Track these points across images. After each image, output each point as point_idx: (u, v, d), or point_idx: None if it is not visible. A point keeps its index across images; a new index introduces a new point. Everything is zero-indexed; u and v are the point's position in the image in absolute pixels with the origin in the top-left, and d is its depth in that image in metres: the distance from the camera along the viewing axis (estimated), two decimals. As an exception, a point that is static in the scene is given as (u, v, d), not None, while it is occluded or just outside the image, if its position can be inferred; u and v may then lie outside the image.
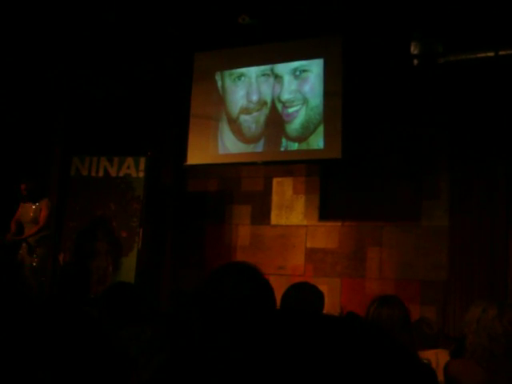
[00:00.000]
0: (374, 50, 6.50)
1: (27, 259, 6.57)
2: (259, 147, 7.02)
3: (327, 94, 6.62)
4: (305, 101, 6.77)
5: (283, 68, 6.94)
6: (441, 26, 6.09)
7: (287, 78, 6.89)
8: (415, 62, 6.29)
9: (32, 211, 6.73)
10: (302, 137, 6.77)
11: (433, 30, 6.18)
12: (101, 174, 7.49)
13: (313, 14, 6.25)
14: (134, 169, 7.38)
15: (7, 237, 6.66)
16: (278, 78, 6.95)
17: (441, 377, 2.47)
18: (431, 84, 6.56)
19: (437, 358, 3.49)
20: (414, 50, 6.24)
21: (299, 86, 6.86)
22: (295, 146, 6.86)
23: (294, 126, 6.80)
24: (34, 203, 6.75)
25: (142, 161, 7.39)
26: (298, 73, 6.86)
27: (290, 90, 6.88)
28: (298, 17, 6.34)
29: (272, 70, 6.99)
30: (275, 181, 7.48)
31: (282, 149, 6.90)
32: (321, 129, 6.65)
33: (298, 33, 6.69)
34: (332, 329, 0.71)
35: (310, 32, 6.65)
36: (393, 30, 6.23)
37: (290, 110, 6.82)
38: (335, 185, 7.11)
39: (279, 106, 6.90)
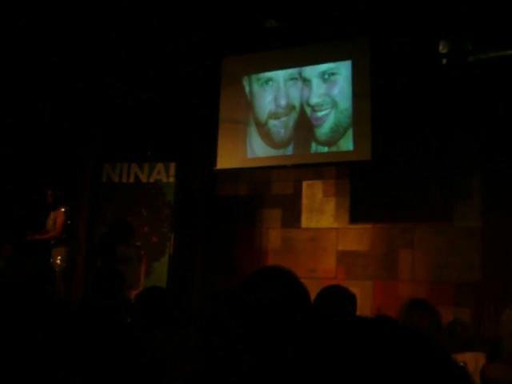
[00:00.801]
0: (402, 50, 6.45)
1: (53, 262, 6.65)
2: (288, 152, 7.01)
3: (356, 95, 6.59)
4: (334, 104, 6.73)
5: (311, 71, 6.92)
6: (469, 23, 6.02)
7: (316, 82, 6.86)
8: (444, 60, 6.23)
9: (51, 219, 6.84)
10: (332, 141, 6.73)
11: (461, 27, 6.12)
12: (131, 180, 7.56)
13: (339, 16, 6.23)
14: (164, 174, 7.43)
15: (27, 235, 6.73)
16: (306, 81, 6.93)
17: (478, 379, 2.45)
18: (461, 82, 6.49)
19: (475, 361, 3.44)
20: (442, 48, 6.19)
21: (328, 89, 6.82)
22: (325, 149, 6.84)
23: (324, 130, 6.76)
24: (54, 211, 6.85)
25: (172, 166, 7.43)
26: (326, 76, 6.82)
27: (318, 93, 6.84)
28: (324, 19, 6.33)
29: (300, 73, 6.97)
30: (305, 184, 7.46)
31: (311, 152, 6.88)
32: (350, 132, 6.60)
33: (325, 35, 6.67)
34: (369, 331, 0.71)
35: (337, 34, 6.63)
36: (420, 29, 6.18)
37: (320, 114, 6.79)
38: (365, 187, 7.06)
39: (308, 110, 6.87)
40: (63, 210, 6.84)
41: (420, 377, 0.65)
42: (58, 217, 6.79)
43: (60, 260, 6.68)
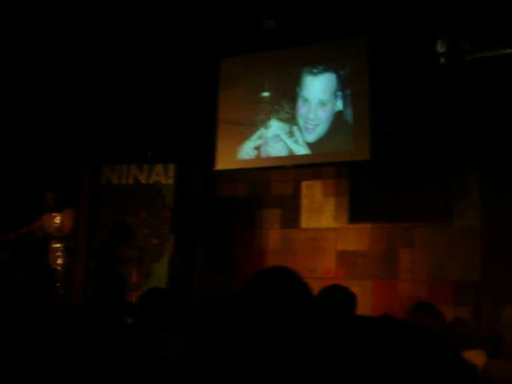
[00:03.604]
0: (400, 50, 6.47)
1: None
2: (286, 153, 7.03)
3: (354, 95, 6.61)
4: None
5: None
6: (467, 22, 6.03)
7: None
8: (442, 60, 6.24)
9: (57, 221, 6.75)
10: (329, 142, 6.78)
11: (459, 27, 6.12)
12: (131, 181, 7.56)
13: (338, 17, 6.25)
14: (163, 176, 7.43)
15: (10, 235, 6.58)
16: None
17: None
18: (458, 82, 6.50)
19: (476, 358, 3.44)
20: (440, 48, 6.19)
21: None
22: (323, 150, 6.85)
23: (318, 134, 6.83)
24: (59, 213, 6.79)
25: (171, 167, 7.43)
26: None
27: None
28: (322, 20, 6.34)
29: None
30: (304, 184, 7.47)
31: (310, 152, 6.90)
32: (349, 132, 6.63)
33: (324, 36, 6.69)
34: (378, 328, 0.72)
35: (335, 35, 6.65)
36: (418, 28, 6.20)
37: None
38: (364, 186, 7.07)
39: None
40: (72, 212, 6.80)
41: (430, 371, 0.66)
42: (68, 218, 6.72)
43: (60, 264, 6.64)
